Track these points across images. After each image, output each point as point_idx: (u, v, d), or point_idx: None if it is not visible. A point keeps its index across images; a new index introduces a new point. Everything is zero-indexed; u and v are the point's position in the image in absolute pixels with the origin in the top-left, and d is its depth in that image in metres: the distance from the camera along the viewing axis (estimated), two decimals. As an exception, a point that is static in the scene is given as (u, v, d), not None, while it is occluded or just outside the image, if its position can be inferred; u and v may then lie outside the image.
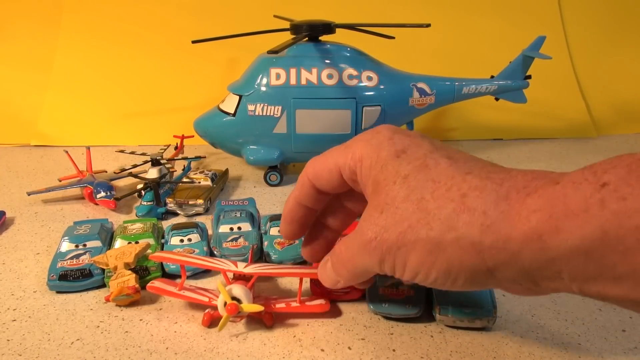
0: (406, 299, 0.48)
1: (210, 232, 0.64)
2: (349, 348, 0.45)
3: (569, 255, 0.24)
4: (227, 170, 0.84)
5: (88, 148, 0.82)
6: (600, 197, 0.23)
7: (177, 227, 0.61)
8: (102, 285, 0.54)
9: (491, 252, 0.27)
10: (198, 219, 0.68)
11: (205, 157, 0.87)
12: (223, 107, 0.81)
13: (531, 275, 0.27)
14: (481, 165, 0.31)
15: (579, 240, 0.23)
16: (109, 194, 0.71)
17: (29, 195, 0.75)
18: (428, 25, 0.75)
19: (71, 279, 0.53)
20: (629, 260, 0.22)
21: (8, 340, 0.46)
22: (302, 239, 0.47)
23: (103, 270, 0.54)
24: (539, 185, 0.26)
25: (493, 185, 0.28)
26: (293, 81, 0.77)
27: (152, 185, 0.71)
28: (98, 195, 0.72)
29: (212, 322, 0.48)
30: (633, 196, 0.22)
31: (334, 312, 0.50)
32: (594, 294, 0.26)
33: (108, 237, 0.61)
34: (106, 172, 0.82)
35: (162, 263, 0.56)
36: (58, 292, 0.53)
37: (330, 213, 0.44)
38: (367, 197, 0.34)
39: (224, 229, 0.61)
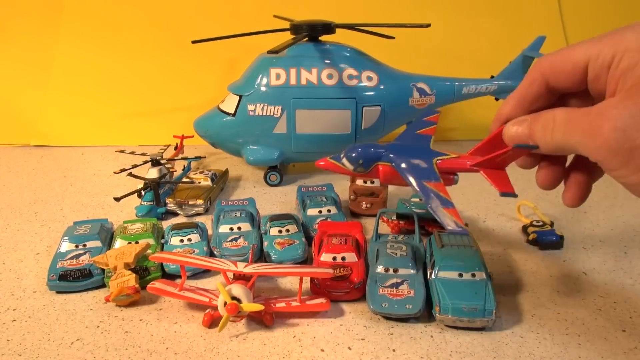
0: (406, 299, 0.48)
1: (210, 232, 0.64)
2: (349, 348, 0.45)
3: None
4: (227, 170, 0.84)
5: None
6: None
7: (177, 227, 0.61)
8: (102, 285, 0.54)
9: None
10: (198, 219, 0.68)
11: (205, 157, 0.87)
12: (223, 107, 0.81)
13: None
14: None
15: None
16: None
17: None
18: (428, 26, 0.75)
19: (71, 279, 0.53)
20: None
21: (8, 340, 0.46)
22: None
23: (103, 270, 0.54)
24: None
25: None
26: (293, 81, 0.77)
27: (152, 185, 0.71)
28: None
29: (213, 322, 0.48)
30: None
31: (334, 312, 0.50)
32: None
33: (108, 237, 0.61)
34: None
35: (162, 263, 0.56)
36: (58, 292, 0.53)
37: None
38: (619, 92, 0.32)
39: (224, 229, 0.61)
